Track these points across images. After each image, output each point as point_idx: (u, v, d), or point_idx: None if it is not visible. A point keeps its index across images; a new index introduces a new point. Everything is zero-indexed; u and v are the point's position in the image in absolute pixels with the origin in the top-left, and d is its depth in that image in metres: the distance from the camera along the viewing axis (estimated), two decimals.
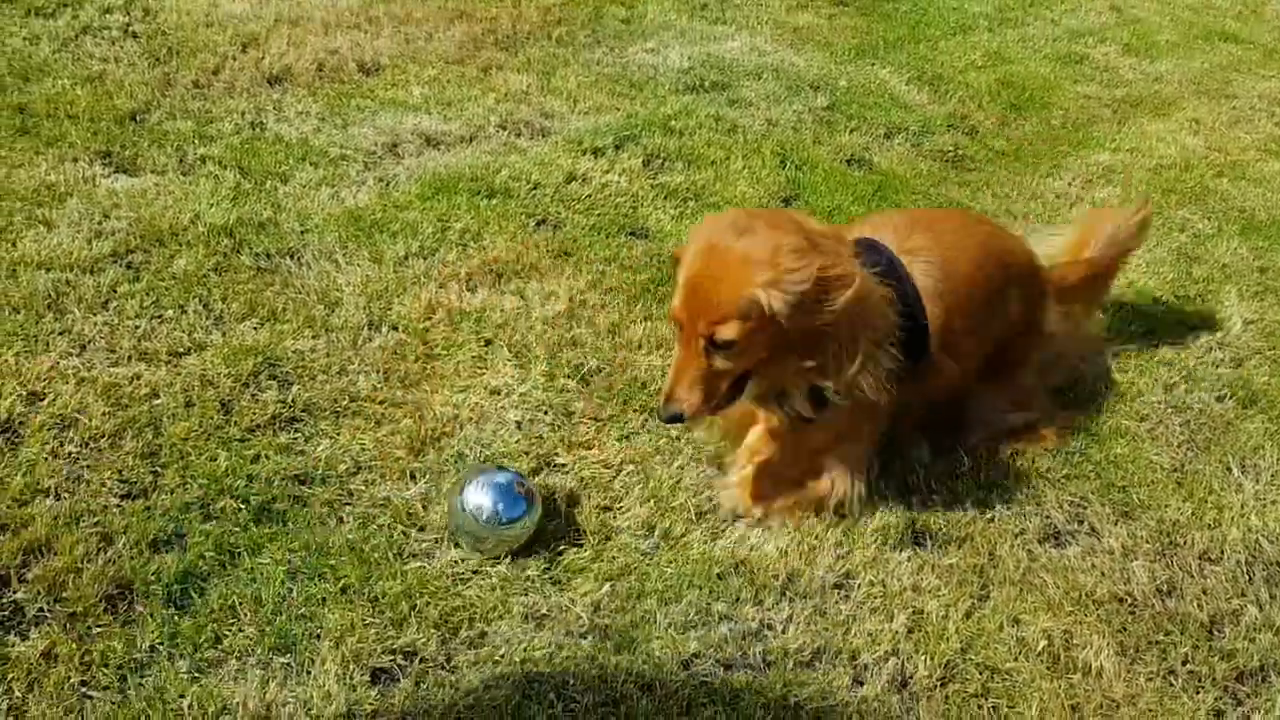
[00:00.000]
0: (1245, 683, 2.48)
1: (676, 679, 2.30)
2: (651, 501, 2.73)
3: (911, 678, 2.37)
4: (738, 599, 2.50)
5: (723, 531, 2.68)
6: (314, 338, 3.10)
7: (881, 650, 2.41)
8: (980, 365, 3.00)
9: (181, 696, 2.09)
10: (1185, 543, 2.82)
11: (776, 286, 2.38)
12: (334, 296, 3.28)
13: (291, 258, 3.46)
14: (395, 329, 3.21)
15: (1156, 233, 4.31)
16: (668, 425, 2.81)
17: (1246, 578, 2.74)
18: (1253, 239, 4.40)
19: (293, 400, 2.87)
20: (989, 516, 2.82)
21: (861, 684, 2.34)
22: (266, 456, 2.68)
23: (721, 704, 2.26)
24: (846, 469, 2.74)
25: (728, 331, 2.41)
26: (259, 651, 2.21)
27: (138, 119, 4.20)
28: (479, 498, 2.48)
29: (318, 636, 2.27)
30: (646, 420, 2.99)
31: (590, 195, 4.04)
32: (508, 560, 2.50)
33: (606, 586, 2.48)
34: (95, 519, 2.42)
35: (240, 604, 2.30)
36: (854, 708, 2.28)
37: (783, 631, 2.44)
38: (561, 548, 2.55)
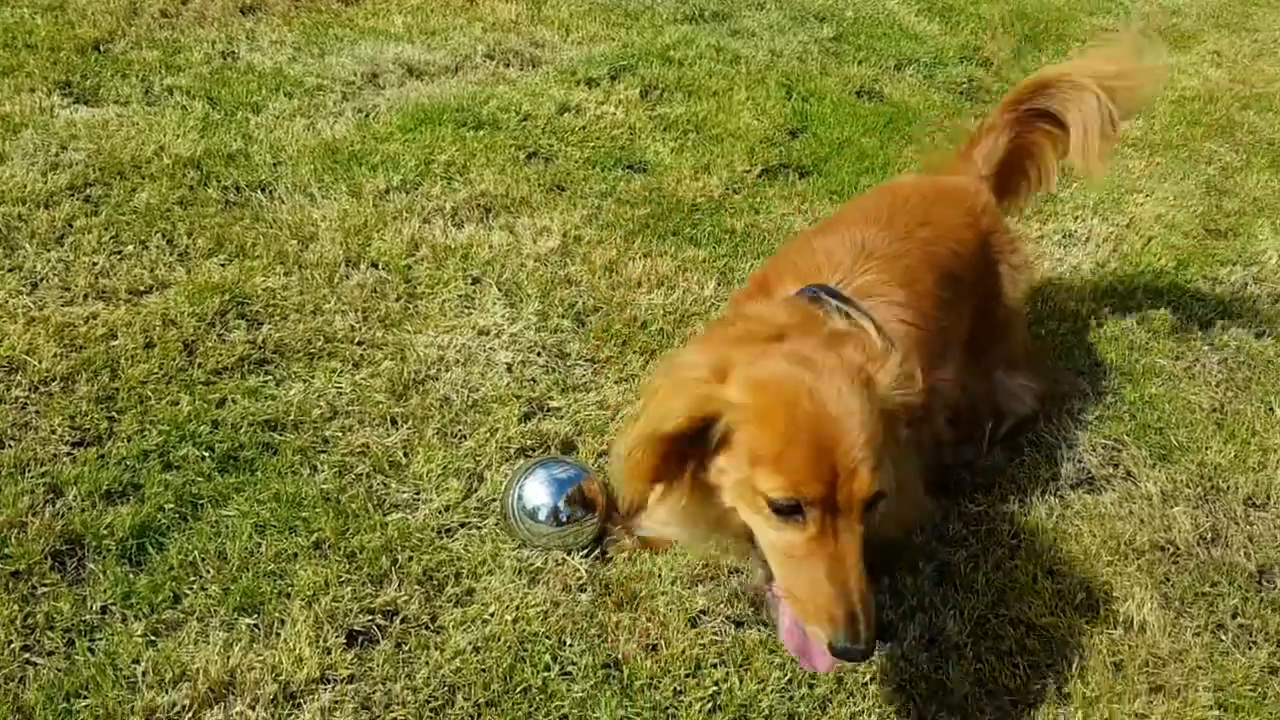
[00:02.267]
0: None
1: (683, 638, 2.09)
2: None
3: (940, 634, 2.16)
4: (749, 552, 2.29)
5: None
6: (286, 275, 2.87)
7: (906, 605, 2.21)
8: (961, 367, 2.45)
9: (135, 662, 1.89)
10: (1228, 487, 2.61)
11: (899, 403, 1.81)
12: (308, 231, 3.04)
13: (263, 191, 3.22)
14: (375, 266, 2.97)
15: (1184, 166, 4.08)
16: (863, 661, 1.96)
17: None
18: None
19: (263, 341, 2.64)
20: (1017, 461, 2.62)
21: (886, 641, 2.14)
22: (233, 401, 2.46)
23: (733, 664, 2.06)
24: None
25: (881, 480, 1.71)
26: (222, 612, 2.00)
27: (101, 49, 3.93)
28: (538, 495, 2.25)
29: (288, 595, 2.06)
30: (647, 362, 2.77)
31: (584, 127, 3.79)
32: (498, 514, 2.29)
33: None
34: (43, 469, 2.20)
35: (202, 560, 2.09)
36: (879, 666, 2.08)
37: None
38: None
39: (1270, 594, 2.36)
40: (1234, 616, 2.30)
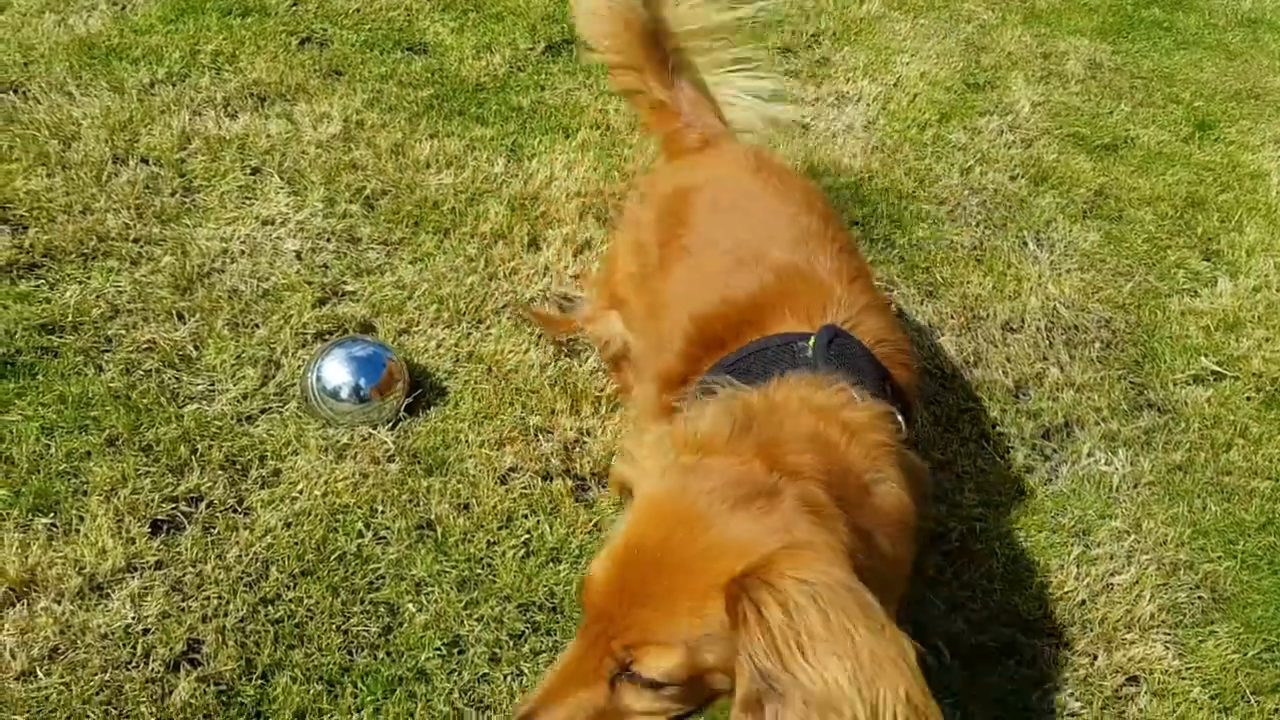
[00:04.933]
0: (1052, 439, 2.55)
1: (494, 494, 2.17)
2: (452, 323, 2.54)
3: None
4: (553, 411, 2.38)
5: (539, 344, 2.52)
6: (49, 176, 2.72)
7: None
8: None
9: None
10: (988, 315, 2.85)
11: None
12: (69, 131, 2.87)
13: (15, 92, 3.01)
14: (146, 162, 2.85)
15: (945, 25, 4.29)
16: None
17: (1047, 343, 2.80)
18: (1035, 26, 4.44)
19: (30, 245, 2.51)
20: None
21: None
22: (4, 306, 2.34)
23: (543, 513, 2.15)
24: None
25: (664, 661, 1.27)
26: (15, 514, 1.95)
27: None
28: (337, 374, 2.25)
29: (84, 492, 2.02)
30: (441, 241, 2.77)
31: (359, 9, 3.67)
32: (299, 397, 2.29)
33: (413, 413, 2.31)
34: None
35: None
36: None
37: (603, 436, 2.33)
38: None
39: (1025, 405, 2.62)
40: (994, 427, 2.54)
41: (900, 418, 1.54)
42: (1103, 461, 2.49)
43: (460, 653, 1.87)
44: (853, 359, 1.58)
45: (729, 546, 1.25)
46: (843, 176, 3.27)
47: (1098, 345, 2.82)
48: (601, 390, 2.44)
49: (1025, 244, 3.14)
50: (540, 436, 2.32)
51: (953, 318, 2.81)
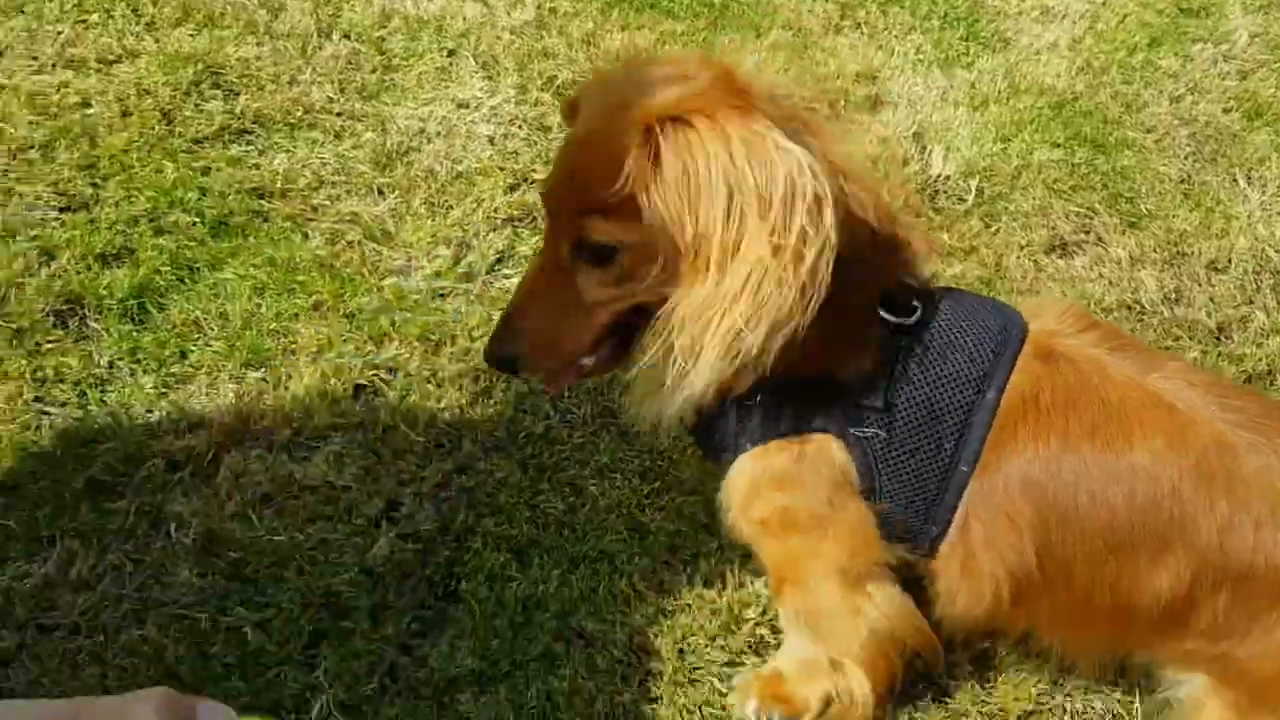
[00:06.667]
0: (1254, 384, 2.43)
1: None
2: None
3: None
4: None
5: None
6: (258, 45, 2.79)
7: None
8: None
9: (149, 411, 1.94)
10: (1193, 252, 2.71)
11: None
12: (277, 2, 2.94)
13: None
14: (348, 38, 2.90)
15: None
16: (498, 371, 1.76)
17: (1254, 286, 2.65)
18: None
19: (241, 111, 2.59)
20: (994, 230, 2.68)
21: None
22: (218, 169, 2.43)
23: None
24: None
25: (601, 230, 1.30)
26: (230, 366, 2.05)
27: None
28: None
29: (293, 352, 2.11)
30: None
31: None
32: (487, 272, 2.34)
33: None
34: (33, 232, 2.19)
35: (205, 319, 2.12)
36: None
37: None
38: None
39: (1228, 348, 2.49)
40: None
41: None
42: None
43: (641, 538, 1.91)
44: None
45: (667, 98, 1.26)
46: (1045, 96, 3.13)
47: None
48: None
49: (1235, 181, 2.96)
50: None
51: (1155, 252, 2.68)
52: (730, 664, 1.73)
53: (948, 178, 2.85)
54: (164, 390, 1.98)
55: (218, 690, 1.55)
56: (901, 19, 3.45)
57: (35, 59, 2.59)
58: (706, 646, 1.73)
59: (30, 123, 2.40)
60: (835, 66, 3.17)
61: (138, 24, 2.77)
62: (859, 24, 3.40)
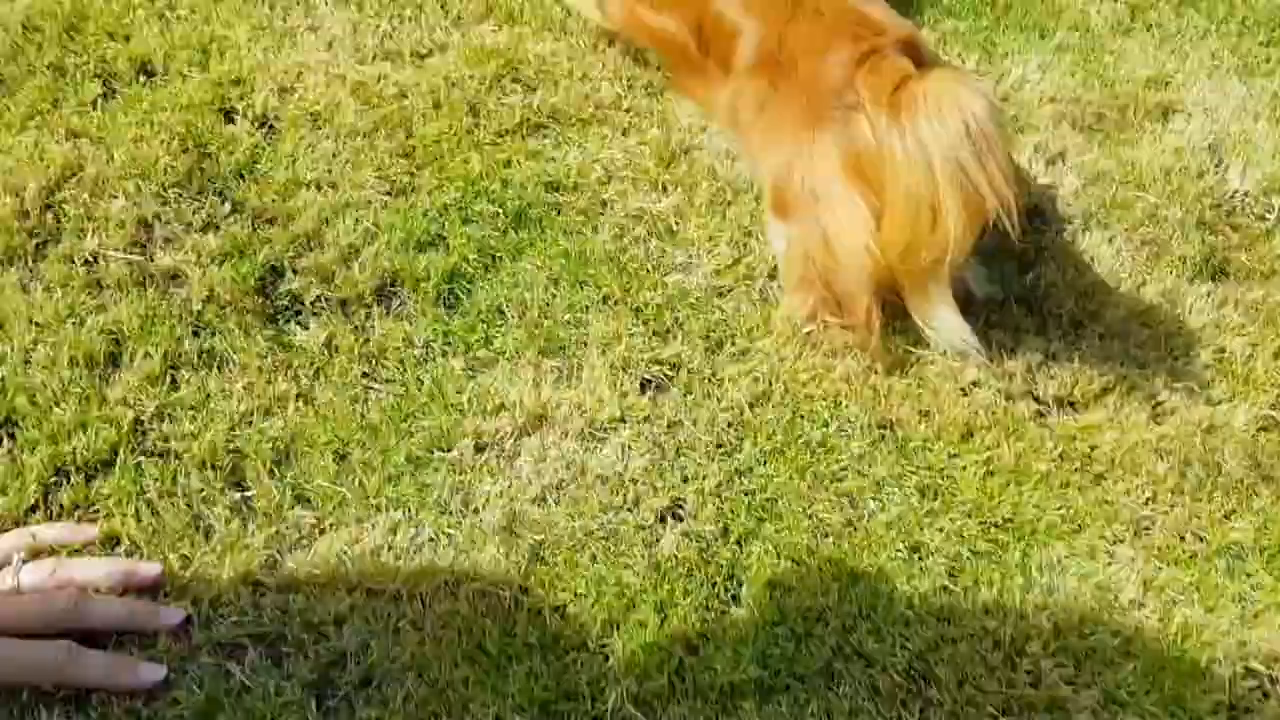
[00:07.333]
0: None
1: (956, 405, 2.17)
2: None
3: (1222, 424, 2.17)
4: (1018, 329, 2.32)
5: None
6: (554, 41, 2.92)
7: (1183, 385, 2.22)
8: None
9: (459, 392, 2.09)
10: None
11: None
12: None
13: None
14: None
15: None
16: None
17: None
18: None
19: (538, 106, 2.73)
20: None
21: (1159, 422, 2.17)
22: (518, 162, 2.57)
23: (1003, 432, 2.13)
24: None
25: None
26: (529, 354, 2.18)
27: None
28: None
29: (584, 343, 2.22)
30: None
31: None
32: (763, 277, 2.38)
33: None
34: (360, 213, 2.38)
35: (507, 307, 2.26)
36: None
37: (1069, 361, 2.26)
38: None
39: None
40: None
41: None
42: None
43: (920, 559, 1.92)
44: None
45: None
46: None
47: None
48: (1060, 308, 2.36)
49: None
50: (1003, 352, 2.28)
51: None
52: (1008, 702, 1.72)
53: (1246, 194, 2.70)
54: (471, 373, 2.13)
55: (522, 669, 1.67)
56: (1196, 22, 3.26)
57: (359, 50, 2.80)
58: (985, 677, 1.73)
59: (356, 111, 2.61)
60: (1124, 71, 3.04)
61: (446, 19, 2.95)
62: (1149, 26, 3.25)
